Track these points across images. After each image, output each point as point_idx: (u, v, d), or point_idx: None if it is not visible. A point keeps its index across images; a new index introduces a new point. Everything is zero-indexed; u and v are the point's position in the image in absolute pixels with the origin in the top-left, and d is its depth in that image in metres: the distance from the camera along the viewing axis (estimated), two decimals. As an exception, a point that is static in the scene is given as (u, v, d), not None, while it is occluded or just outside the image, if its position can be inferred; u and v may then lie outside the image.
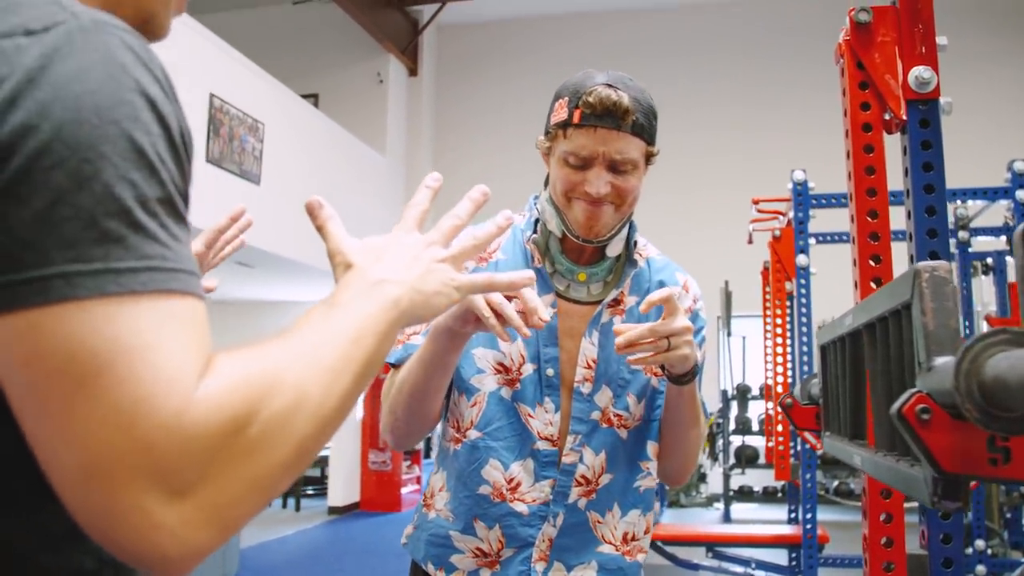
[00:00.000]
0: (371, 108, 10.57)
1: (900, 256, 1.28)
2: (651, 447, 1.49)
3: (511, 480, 1.41)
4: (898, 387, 0.83)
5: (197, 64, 6.48)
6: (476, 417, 1.44)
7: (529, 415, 1.42)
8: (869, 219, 1.46)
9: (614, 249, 1.45)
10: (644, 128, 1.38)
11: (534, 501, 1.41)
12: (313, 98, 10.17)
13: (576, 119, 1.36)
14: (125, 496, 0.53)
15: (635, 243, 1.49)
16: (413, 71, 11.23)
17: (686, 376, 1.36)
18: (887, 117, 1.46)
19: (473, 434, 1.44)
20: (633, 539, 1.46)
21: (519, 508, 1.41)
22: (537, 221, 1.49)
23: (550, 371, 1.42)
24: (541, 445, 1.41)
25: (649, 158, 1.42)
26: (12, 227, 0.52)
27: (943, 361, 0.68)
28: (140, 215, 0.55)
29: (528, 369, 1.43)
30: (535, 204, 1.52)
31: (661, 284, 1.49)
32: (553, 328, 1.42)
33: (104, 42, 0.57)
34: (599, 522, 1.44)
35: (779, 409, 1.98)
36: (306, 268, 8.70)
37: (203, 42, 6.67)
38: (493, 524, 1.41)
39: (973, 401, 0.56)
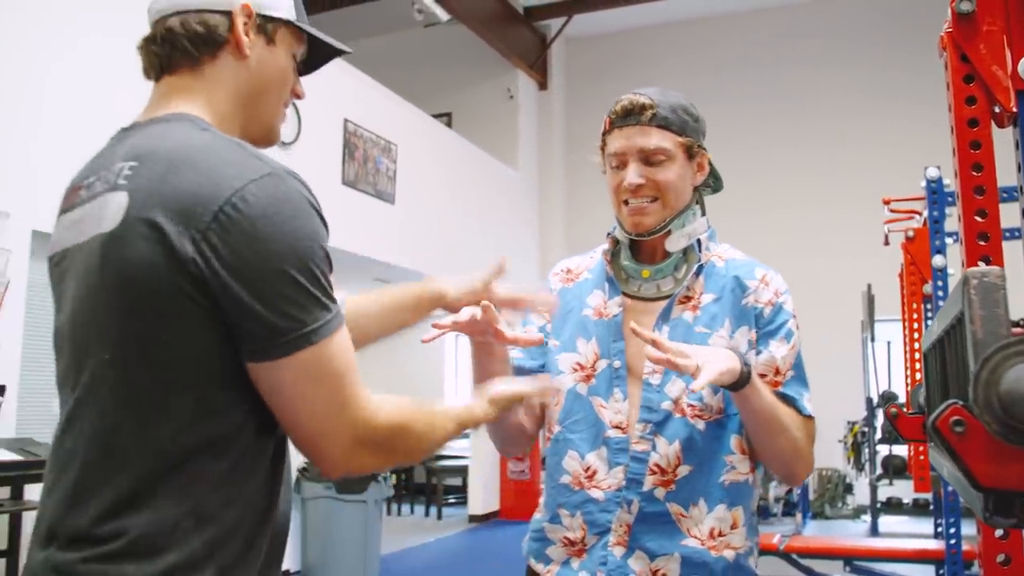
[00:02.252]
0: (502, 124, 10.73)
1: (1015, 256, 1.22)
2: (735, 440, 1.49)
3: (588, 468, 1.50)
4: (958, 398, 0.80)
5: (331, 92, 6.77)
6: (557, 413, 1.57)
7: (602, 406, 1.52)
8: (978, 219, 1.40)
9: (674, 245, 1.55)
10: (670, 120, 1.51)
11: (609, 487, 1.48)
12: (446, 117, 10.42)
13: (607, 126, 1.56)
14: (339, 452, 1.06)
15: (699, 241, 1.56)
16: (543, 85, 11.32)
17: (736, 384, 1.37)
18: (996, 110, 1.39)
19: (556, 429, 1.56)
20: (720, 535, 1.46)
21: (595, 495, 1.49)
22: (609, 234, 1.62)
23: (617, 363, 1.52)
24: (612, 433, 1.49)
25: (690, 152, 1.53)
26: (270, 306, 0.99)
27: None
28: (329, 287, 1.04)
29: (601, 364, 1.54)
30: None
31: (737, 280, 1.53)
32: (618, 324, 1.53)
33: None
34: (683, 515, 1.45)
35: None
36: (441, 283, 8.90)
37: (337, 71, 6.97)
38: (575, 512, 1.50)
39: (992, 413, 0.55)
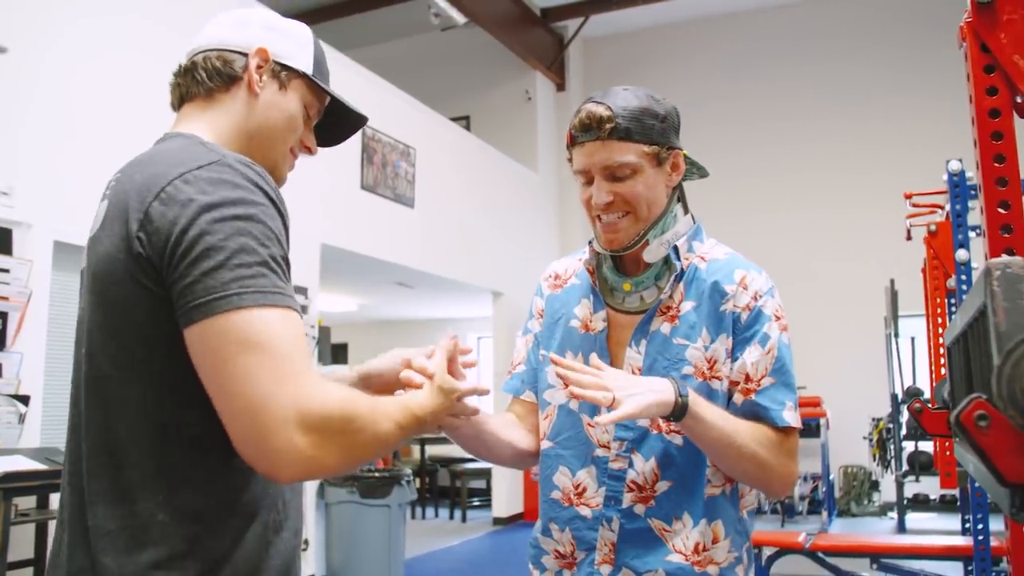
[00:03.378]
0: (520, 126, 10.73)
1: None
2: None
3: (578, 486, 1.49)
4: (984, 392, 0.78)
5: (349, 97, 6.75)
6: (548, 428, 1.55)
7: (589, 424, 1.49)
8: (1000, 210, 1.38)
9: (652, 255, 1.49)
10: (631, 131, 1.41)
11: (597, 506, 1.46)
12: (465, 120, 10.44)
13: (569, 140, 1.47)
14: (278, 428, 0.95)
15: (675, 248, 1.49)
16: (561, 86, 11.32)
17: (672, 416, 1.33)
18: (1018, 100, 1.37)
19: (546, 444, 1.55)
20: (704, 549, 1.42)
21: (584, 512, 1.48)
22: (590, 244, 1.57)
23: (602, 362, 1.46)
24: (600, 452, 1.48)
25: (659, 158, 1.45)
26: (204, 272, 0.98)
27: (1012, 363, 0.65)
28: (273, 265, 1.02)
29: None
30: None
31: (715, 285, 1.46)
32: (602, 340, 1.51)
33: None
34: (666, 530, 1.43)
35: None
36: (462, 286, 8.93)
37: (353, 76, 7.00)
38: (564, 527, 1.49)
39: (1016, 406, 0.54)
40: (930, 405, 1.60)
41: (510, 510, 9.43)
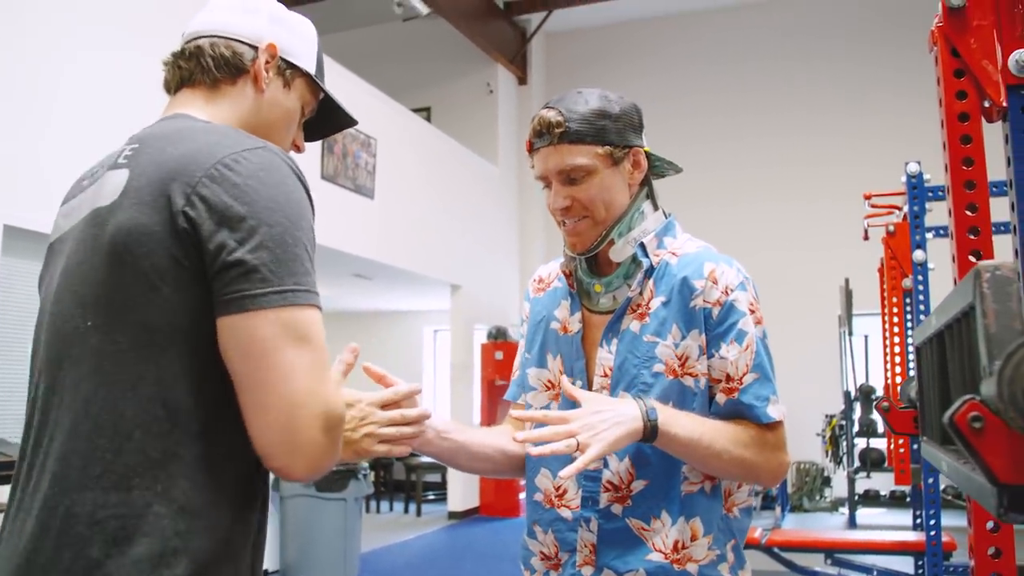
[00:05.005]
0: (482, 119, 10.71)
1: (1004, 250, 1.22)
2: None
3: (558, 488, 1.49)
4: (970, 393, 0.79)
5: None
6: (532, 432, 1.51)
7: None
8: (968, 213, 1.40)
9: (619, 255, 1.49)
10: (582, 133, 1.43)
11: (576, 507, 1.46)
12: (426, 111, 10.38)
13: (528, 148, 1.50)
14: (309, 424, 0.98)
15: (642, 245, 1.48)
16: (522, 80, 11.31)
17: (644, 440, 1.33)
18: (986, 105, 1.39)
19: (528, 446, 1.49)
20: (683, 547, 1.41)
21: (564, 514, 1.47)
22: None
23: (578, 383, 1.48)
24: (577, 453, 1.43)
25: (614, 158, 1.45)
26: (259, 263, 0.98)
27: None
28: (309, 265, 1.03)
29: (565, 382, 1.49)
30: None
31: (685, 281, 1.45)
32: (577, 341, 1.51)
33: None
34: (645, 529, 1.41)
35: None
36: (420, 278, 8.89)
37: (315, 63, 6.90)
38: (547, 529, 1.49)
39: (1017, 408, 0.54)
40: (889, 403, 1.61)
41: (465, 504, 9.43)
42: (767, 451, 1.41)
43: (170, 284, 0.98)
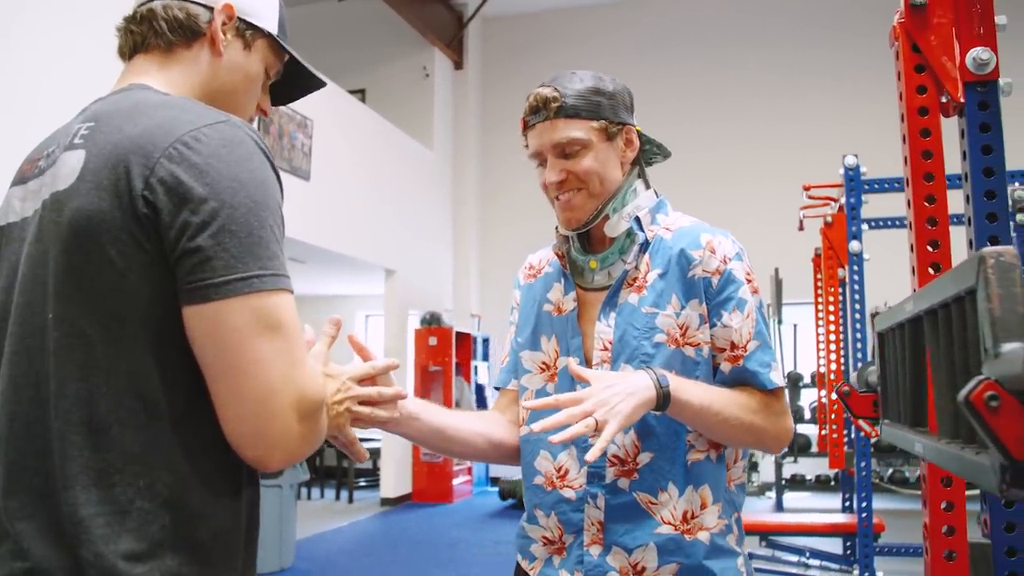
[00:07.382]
0: (418, 102, 10.62)
1: (958, 241, 1.26)
2: None
3: (560, 468, 1.48)
4: (962, 375, 0.82)
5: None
6: (526, 414, 1.54)
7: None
8: (927, 204, 1.44)
9: (613, 230, 1.51)
10: (578, 108, 1.46)
11: (580, 487, 1.45)
12: (360, 93, 10.24)
13: (523, 127, 1.52)
14: (282, 413, 0.95)
15: (638, 219, 1.51)
16: (459, 64, 11.25)
17: (658, 408, 1.34)
18: (944, 100, 1.44)
19: (524, 430, 1.52)
20: (693, 516, 1.42)
21: (567, 494, 1.46)
22: (556, 229, 1.58)
23: (575, 360, 1.46)
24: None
25: (608, 133, 1.49)
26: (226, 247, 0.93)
27: (1011, 347, 0.68)
28: (281, 245, 0.99)
29: (562, 362, 1.50)
30: None
31: (682, 252, 1.47)
32: (573, 319, 1.52)
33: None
34: (652, 503, 1.42)
35: (835, 397, 1.95)
36: (354, 262, 8.79)
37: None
38: (550, 512, 1.48)
39: (1041, 387, 0.56)
40: (850, 387, 1.66)
41: (398, 491, 9.39)
42: (773, 416, 1.44)
43: (136, 271, 0.94)
